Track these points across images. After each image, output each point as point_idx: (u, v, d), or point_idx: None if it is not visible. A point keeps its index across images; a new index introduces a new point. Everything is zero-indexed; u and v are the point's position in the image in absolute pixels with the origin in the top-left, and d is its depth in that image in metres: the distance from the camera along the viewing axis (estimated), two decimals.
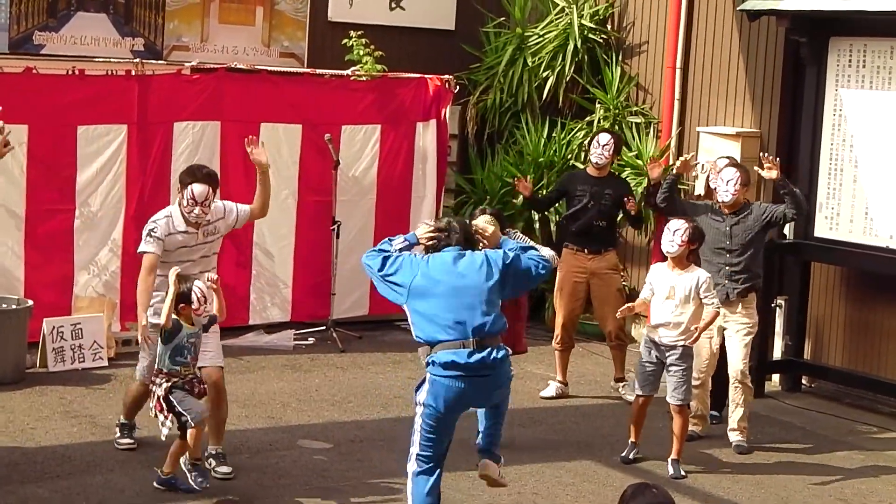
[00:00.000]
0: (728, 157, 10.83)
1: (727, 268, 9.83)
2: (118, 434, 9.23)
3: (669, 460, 9.25)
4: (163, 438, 8.26)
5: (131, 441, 9.18)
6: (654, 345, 9.27)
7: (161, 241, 8.65)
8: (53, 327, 10.91)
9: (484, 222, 8.33)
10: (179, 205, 8.74)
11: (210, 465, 8.73)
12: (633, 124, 13.43)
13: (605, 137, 11.14)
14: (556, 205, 12.10)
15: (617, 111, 13.48)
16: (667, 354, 9.22)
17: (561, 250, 11.01)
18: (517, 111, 14.02)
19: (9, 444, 9.07)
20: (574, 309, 11.17)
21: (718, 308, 9.31)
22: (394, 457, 9.03)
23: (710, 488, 9.02)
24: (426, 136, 13.12)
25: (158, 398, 8.14)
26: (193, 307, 8.21)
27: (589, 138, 11.58)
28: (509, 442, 9.80)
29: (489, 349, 7.28)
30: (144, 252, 8.68)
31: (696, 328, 9.13)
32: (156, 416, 8.21)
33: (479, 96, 14.15)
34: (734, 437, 9.91)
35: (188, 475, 8.15)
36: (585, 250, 11.08)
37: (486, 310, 7.29)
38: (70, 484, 8.37)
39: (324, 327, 12.57)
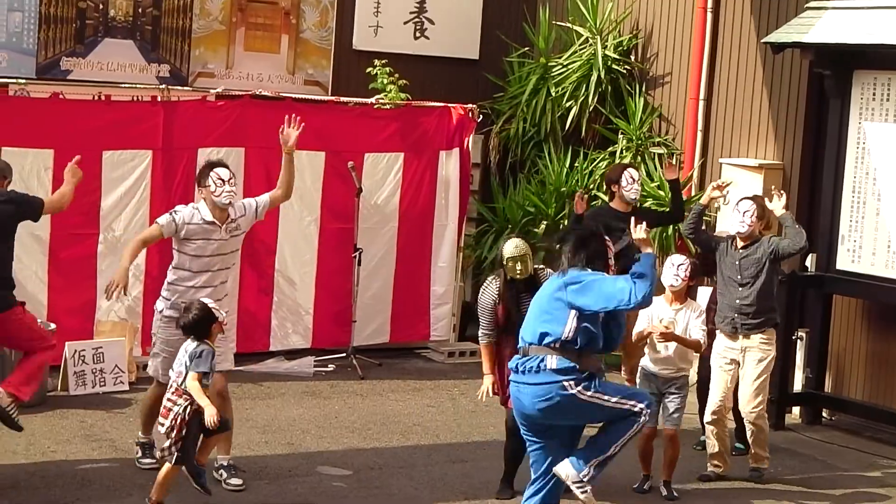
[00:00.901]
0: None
1: (737, 301, 9.77)
2: (139, 454, 9.28)
3: (661, 483, 9.38)
4: (139, 464, 8.62)
5: (153, 461, 9.19)
6: (654, 377, 9.44)
7: (175, 224, 8.89)
8: (75, 351, 10.96)
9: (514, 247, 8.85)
10: (206, 198, 8.98)
11: (221, 476, 8.85)
12: (656, 155, 13.44)
13: (636, 173, 11.12)
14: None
15: (639, 142, 13.50)
16: (665, 387, 9.41)
17: None
18: (540, 141, 14.05)
19: (29, 466, 9.10)
20: None
21: (704, 343, 9.45)
22: (412, 484, 9.05)
23: None
24: (449, 165, 13.15)
25: (181, 418, 8.06)
26: (221, 320, 8.34)
27: (611, 172, 11.32)
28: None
29: (530, 357, 7.69)
30: (156, 222, 9.03)
31: (670, 330, 9.29)
32: (168, 430, 8.09)
33: (502, 125, 14.19)
34: (750, 463, 9.91)
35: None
36: None
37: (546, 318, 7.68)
38: None
39: (344, 354, 12.59)
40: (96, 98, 11.59)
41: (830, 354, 11.83)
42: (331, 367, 12.39)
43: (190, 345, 8.23)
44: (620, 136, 13.65)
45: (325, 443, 10.11)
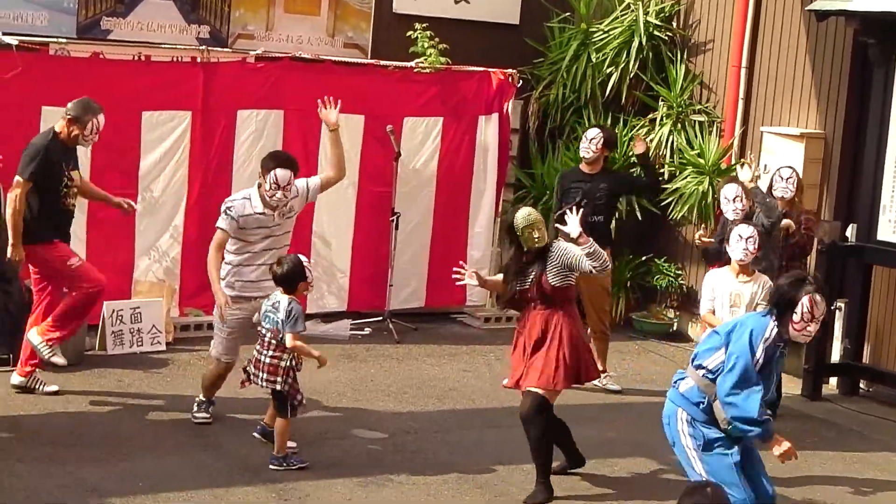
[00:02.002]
0: (789, 167, 10.86)
1: None
2: (195, 409, 9.42)
3: None
4: (299, 415, 8.70)
5: (208, 416, 9.41)
6: None
7: (235, 221, 9.03)
8: (113, 311, 11.00)
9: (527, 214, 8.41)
10: (260, 188, 9.09)
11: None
12: (696, 123, 13.35)
13: (592, 132, 11.14)
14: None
15: (680, 109, 13.41)
16: None
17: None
18: (580, 107, 13.96)
19: (67, 424, 9.15)
20: None
21: None
22: (447, 449, 9.06)
23: None
24: (488, 130, 13.10)
25: (291, 370, 8.52)
26: (309, 280, 8.64)
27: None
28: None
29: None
30: (218, 227, 9.12)
31: None
32: (283, 386, 8.49)
33: (542, 91, 14.10)
34: None
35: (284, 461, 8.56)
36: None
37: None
38: (125, 466, 8.44)
39: (380, 318, 12.59)
40: (136, 58, 11.59)
41: (869, 325, 11.76)
42: (367, 331, 12.40)
43: (281, 300, 8.52)
44: (661, 104, 13.56)
45: (361, 406, 10.12)
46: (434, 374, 11.24)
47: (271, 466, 8.54)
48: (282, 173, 9.00)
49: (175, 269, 11.71)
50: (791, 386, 11.55)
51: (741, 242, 9.13)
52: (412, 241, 12.73)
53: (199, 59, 11.72)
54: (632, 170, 12.72)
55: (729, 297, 9.15)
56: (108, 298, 10.97)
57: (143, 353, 11.04)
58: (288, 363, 8.53)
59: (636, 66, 13.62)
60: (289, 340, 8.46)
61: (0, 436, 8.81)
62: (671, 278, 13.40)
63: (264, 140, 11.87)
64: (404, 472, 8.69)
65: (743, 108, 13.03)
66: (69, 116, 9.53)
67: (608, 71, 13.69)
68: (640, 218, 13.38)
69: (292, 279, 8.58)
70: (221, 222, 9.10)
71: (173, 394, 9.91)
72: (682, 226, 13.42)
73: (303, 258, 8.71)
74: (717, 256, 10.13)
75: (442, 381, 11.05)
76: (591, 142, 11.04)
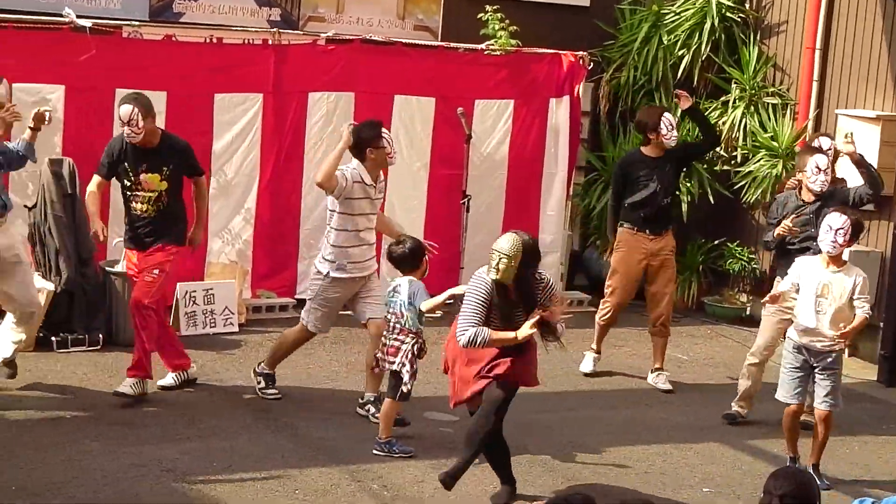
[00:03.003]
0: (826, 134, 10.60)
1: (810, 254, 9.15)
2: (263, 384, 9.51)
3: (810, 466, 8.69)
4: (405, 389, 8.56)
5: (277, 392, 9.47)
6: (805, 350, 8.63)
7: (346, 179, 9.13)
8: (186, 292, 11.06)
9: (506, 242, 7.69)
10: (364, 161, 9.22)
11: (369, 411, 9.18)
12: (770, 105, 13.22)
13: (672, 117, 10.69)
14: None
15: (753, 91, 13.29)
16: (817, 360, 8.61)
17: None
18: (651, 89, 13.87)
19: (141, 404, 9.21)
20: (630, 290, 10.92)
21: (868, 314, 8.56)
22: (518, 431, 9.01)
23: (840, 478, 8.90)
24: (559, 113, 13.04)
25: (411, 354, 8.55)
26: (426, 258, 8.79)
27: (646, 116, 10.79)
28: (638, 421, 9.78)
29: None
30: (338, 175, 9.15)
31: (844, 334, 8.49)
32: (400, 367, 8.52)
33: (613, 74, 14.02)
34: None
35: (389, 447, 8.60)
36: (647, 231, 10.73)
37: None
38: (199, 446, 8.48)
39: (451, 301, 12.53)
40: (208, 41, 11.62)
41: None
42: (438, 314, 12.34)
43: (402, 283, 8.59)
44: (733, 86, 13.44)
45: (432, 388, 10.09)
46: None
47: (374, 452, 8.54)
48: (387, 134, 9.31)
49: (247, 250, 11.77)
50: (866, 372, 11.44)
51: (830, 234, 8.49)
52: (483, 223, 12.69)
53: (270, 42, 11.74)
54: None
55: (816, 287, 8.57)
56: (182, 280, 11.03)
57: (215, 334, 11.09)
58: (409, 347, 8.54)
59: (708, 48, 13.51)
60: (425, 306, 8.50)
61: (76, 415, 8.88)
62: (744, 262, 13.27)
63: (336, 122, 11.88)
64: None
65: (817, 91, 12.88)
66: None
67: (680, 53, 13.59)
68: (712, 201, 13.27)
69: (412, 258, 8.65)
70: (337, 172, 9.12)
71: (246, 375, 9.94)
72: (755, 209, 13.29)
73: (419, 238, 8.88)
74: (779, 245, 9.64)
75: None
76: (674, 127, 10.65)
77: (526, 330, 7.60)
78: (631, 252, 10.75)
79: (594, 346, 11.02)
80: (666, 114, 10.71)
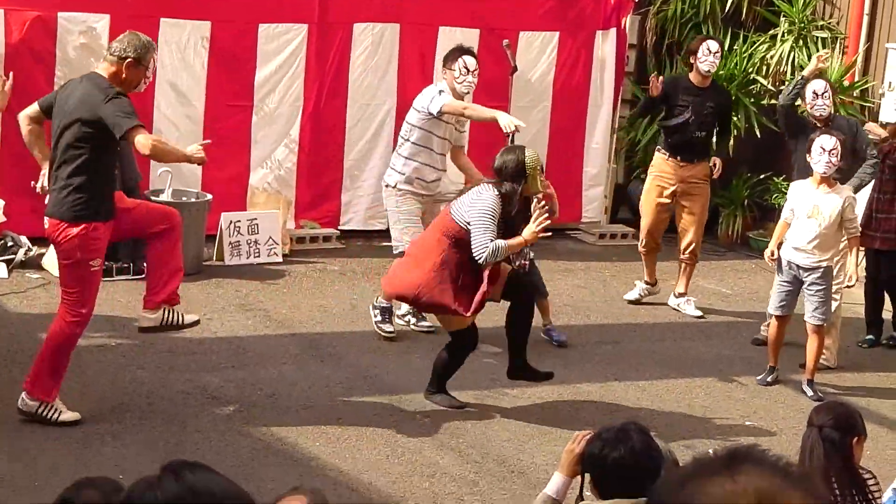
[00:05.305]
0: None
1: None
2: (379, 318, 9.50)
3: (805, 381, 9.03)
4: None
5: (392, 330, 9.49)
6: (793, 266, 8.97)
7: (445, 99, 9.27)
8: (231, 222, 11.07)
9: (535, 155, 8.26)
10: (449, 83, 9.38)
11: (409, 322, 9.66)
12: (819, 39, 13.07)
13: (715, 45, 10.70)
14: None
15: (802, 25, 13.13)
16: (806, 275, 8.93)
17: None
18: (698, 22, 13.72)
19: (185, 333, 9.24)
20: (660, 214, 10.88)
21: (858, 232, 9.03)
22: (562, 363, 9.04)
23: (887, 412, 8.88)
24: (605, 45, 12.93)
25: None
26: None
27: (693, 43, 10.97)
28: (681, 354, 9.77)
29: None
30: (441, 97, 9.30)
31: (851, 275, 9.10)
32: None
33: (660, 6, 13.85)
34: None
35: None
36: (678, 157, 10.73)
37: None
38: (244, 375, 8.53)
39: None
40: None
41: None
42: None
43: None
44: (782, 19, 13.29)
45: (478, 320, 10.08)
46: (549, 290, 11.16)
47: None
48: (470, 59, 9.40)
49: (290, 180, 11.75)
50: None
51: (824, 155, 8.74)
52: None
53: None
54: (751, 87, 12.48)
55: (808, 208, 8.86)
56: (225, 209, 11.04)
57: (259, 264, 11.11)
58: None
59: None
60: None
61: (122, 342, 8.93)
62: None
63: (380, 54, 11.84)
64: (518, 385, 8.68)
65: (868, 24, 12.73)
66: (131, 58, 7.38)
67: None
68: (758, 136, 13.16)
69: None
70: (444, 96, 9.27)
71: (290, 304, 9.97)
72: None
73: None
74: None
75: (556, 296, 10.97)
76: (714, 55, 10.66)
77: (532, 229, 7.92)
78: (660, 177, 10.82)
79: (646, 278, 11.04)
80: (710, 40, 10.76)
